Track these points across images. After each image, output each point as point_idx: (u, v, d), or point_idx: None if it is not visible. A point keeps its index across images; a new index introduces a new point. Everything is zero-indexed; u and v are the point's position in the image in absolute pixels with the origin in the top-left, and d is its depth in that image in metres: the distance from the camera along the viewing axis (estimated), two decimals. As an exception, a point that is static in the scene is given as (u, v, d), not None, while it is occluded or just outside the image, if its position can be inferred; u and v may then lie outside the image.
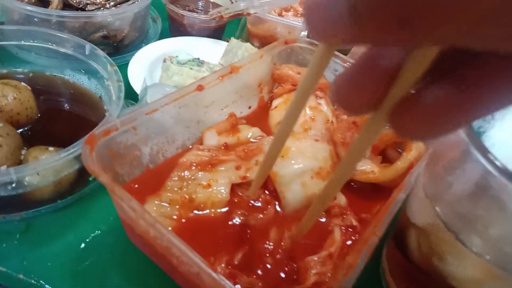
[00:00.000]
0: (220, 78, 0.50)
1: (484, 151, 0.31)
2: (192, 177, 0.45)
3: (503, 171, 0.29)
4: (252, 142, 0.52)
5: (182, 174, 0.45)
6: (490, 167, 0.30)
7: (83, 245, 0.44)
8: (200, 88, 0.48)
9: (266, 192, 0.47)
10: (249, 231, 0.44)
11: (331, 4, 0.15)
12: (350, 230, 0.45)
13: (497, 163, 0.30)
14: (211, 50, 0.70)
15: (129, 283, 0.42)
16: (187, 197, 0.44)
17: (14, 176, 0.39)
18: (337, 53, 0.59)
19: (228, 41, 0.69)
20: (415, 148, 0.49)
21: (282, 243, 0.43)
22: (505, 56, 0.15)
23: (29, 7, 0.59)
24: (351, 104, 0.21)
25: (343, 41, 0.16)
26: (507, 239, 0.35)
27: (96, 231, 0.46)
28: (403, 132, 0.20)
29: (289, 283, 0.39)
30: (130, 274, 0.43)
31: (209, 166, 0.47)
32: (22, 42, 0.55)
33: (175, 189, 0.44)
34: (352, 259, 0.36)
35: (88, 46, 0.54)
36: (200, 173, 0.46)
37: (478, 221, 0.35)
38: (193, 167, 0.46)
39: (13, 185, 0.41)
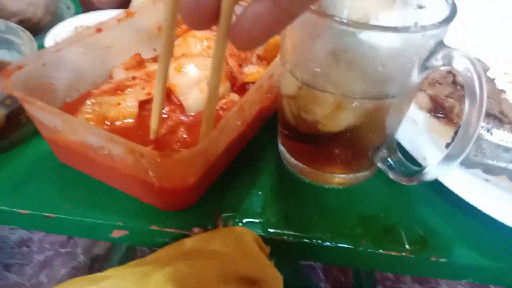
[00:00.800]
0: (117, 21, 0.59)
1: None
2: (104, 101, 0.54)
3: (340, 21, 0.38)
4: (157, 72, 0.61)
5: (95, 100, 0.54)
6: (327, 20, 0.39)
7: (19, 173, 0.52)
8: (98, 30, 0.56)
9: (171, 103, 0.56)
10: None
11: None
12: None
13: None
14: (120, 18, 0.78)
15: (59, 192, 0.50)
16: (100, 115, 0.52)
17: None
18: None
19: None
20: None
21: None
22: None
23: None
24: (193, 19, 0.26)
25: None
26: (349, 77, 0.44)
27: (31, 163, 0.53)
28: (235, 44, 0.26)
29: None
30: (60, 185, 0.51)
31: (118, 91, 0.55)
32: None
33: (89, 111, 0.52)
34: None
35: (2, 22, 0.62)
36: (110, 97, 0.54)
37: (327, 71, 0.45)
38: (104, 94, 0.54)
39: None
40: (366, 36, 0.39)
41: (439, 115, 0.63)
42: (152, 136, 0.48)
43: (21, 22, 0.72)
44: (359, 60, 0.44)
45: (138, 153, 0.39)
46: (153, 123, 0.47)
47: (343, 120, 0.47)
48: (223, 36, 0.28)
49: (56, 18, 0.81)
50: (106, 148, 0.43)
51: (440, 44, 0.40)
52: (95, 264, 1.70)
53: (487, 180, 0.52)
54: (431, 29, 0.38)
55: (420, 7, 0.51)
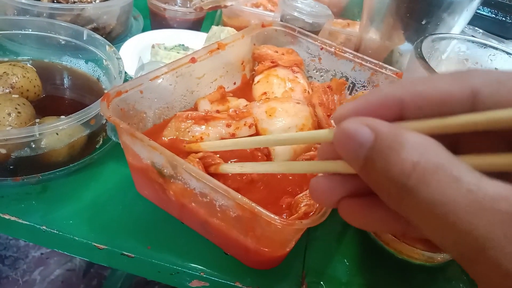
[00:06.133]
0: (209, 53, 0.57)
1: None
2: (187, 130, 0.51)
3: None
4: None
5: (179, 125, 0.51)
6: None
7: (96, 201, 0.49)
8: (193, 60, 0.54)
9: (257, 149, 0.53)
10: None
11: None
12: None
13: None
14: (193, 40, 0.76)
15: (139, 228, 0.47)
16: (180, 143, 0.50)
17: (37, 133, 0.44)
18: (308, 33, 0.67)
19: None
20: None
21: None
22: None
23: (24, 0, 0.64)
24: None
25: None
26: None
27: (107, 190, 0.51)
28: (350, 221, 0.26)
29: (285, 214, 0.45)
30: (139, 221, 0.48)
31: (203, 120, 0.52)
32: (22, 31, 0.60)
33: (172, 137, 0.50)
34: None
35: (86, 31, 0.60)
36: (194, 126, 0.52)
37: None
38: (189, 120, 0.52)
39: (32, 145, 0.46)
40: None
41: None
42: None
43: (95, 30, 0.70)
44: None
45: (256, 214, 0.36)
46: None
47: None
48: None
49: (126, 29, 0.78)
50: (211, 197, 0.40)
51: None
52: (91, 270, 1.65)
53: None
54: None
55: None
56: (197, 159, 0.44)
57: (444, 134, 0.21)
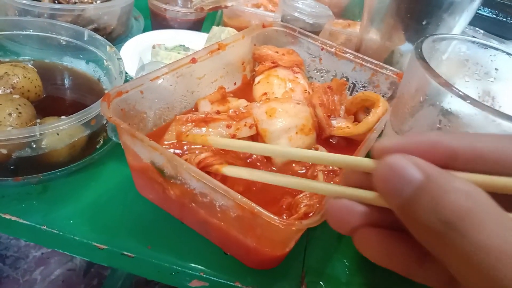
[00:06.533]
0: (210, 53, 0.57)
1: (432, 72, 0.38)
2: (187, 133, 0.51)
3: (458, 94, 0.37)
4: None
5: (179, 128, 0.51)
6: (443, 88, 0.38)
7: (96, 201, 0.49)
8: (193, 60, 0.54)
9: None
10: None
11: None
12: (331, 174, 0.51)
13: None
14: (194, 40, 0.77)
15: (139, 228, 0.47)
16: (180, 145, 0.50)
17: (38, 133, 0.44)
18: (309, 33, 0.67)
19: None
20: (382, 105, 0.57)
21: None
22: None
23: (25, 1, 0.64)
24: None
25: None
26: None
27: (107, 190, 0.51)
28: (364, 252, 0.26)
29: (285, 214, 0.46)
30: (139, 221, 0.48)
31: (203, 123, 0.52)
32: (23, 32, 0.60)
33: (173, 141, 0.50)
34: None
35: (86, 32, 0.60)
36: (195, 129, 0.52)
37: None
38: (189, 124, 0.52)
39: (33, 145, 0.46)
40: None
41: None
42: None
43: (96, 30, 0.70)
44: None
45: (256, 214, 0.36)
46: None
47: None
48: None
49: (126, 29, 0.79)
50: (211, 197, 0.40)
51: None
52: (92, 269, 1.65)
53: None
54: None
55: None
56: (195, 163, 0.44)
57: (492, 192, 0.22)
